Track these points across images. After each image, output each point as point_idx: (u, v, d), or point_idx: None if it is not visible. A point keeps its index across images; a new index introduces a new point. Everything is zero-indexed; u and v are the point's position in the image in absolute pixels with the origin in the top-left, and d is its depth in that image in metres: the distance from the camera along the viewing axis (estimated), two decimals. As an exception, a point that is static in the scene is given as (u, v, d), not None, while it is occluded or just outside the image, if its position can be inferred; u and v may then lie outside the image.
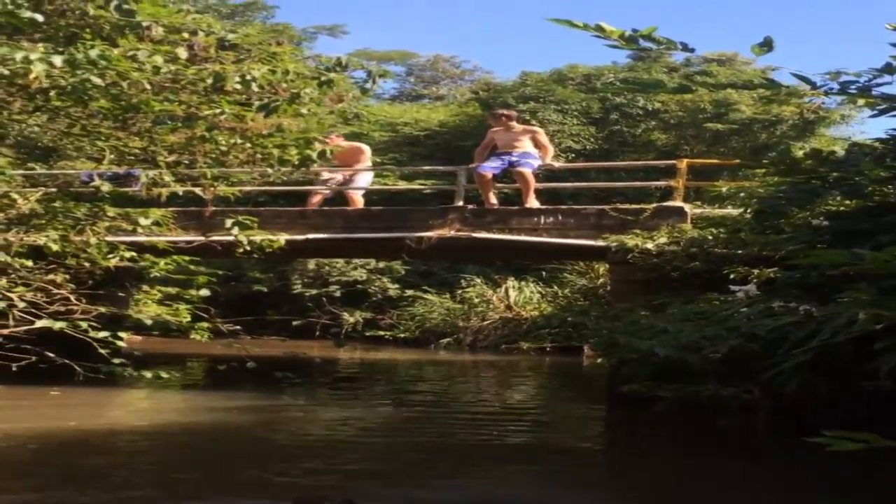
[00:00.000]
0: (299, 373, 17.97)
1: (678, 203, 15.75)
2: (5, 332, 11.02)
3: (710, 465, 10.10)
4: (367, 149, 19.43)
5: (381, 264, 31.33)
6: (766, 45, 5.88)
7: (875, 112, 9.43)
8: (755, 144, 31.79)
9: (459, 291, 29.96)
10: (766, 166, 11.08)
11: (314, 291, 31.84)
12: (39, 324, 10.93)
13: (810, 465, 8.84)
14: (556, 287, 29.21)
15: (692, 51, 5.72)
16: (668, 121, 33.18)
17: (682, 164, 16.68)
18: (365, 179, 19.09)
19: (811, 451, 4.42)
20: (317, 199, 18.41)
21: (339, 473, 9.01)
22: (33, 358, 11.12)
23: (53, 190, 13.16)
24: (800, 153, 10.91)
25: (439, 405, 15.85)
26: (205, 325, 12.92)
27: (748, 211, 13.36)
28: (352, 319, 31.20)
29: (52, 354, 11.08)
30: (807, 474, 9.25)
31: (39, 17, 9.94)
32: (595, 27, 6.33)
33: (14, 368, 10.87)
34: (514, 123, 17.35)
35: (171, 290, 20.86)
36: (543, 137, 17.62)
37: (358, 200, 18.37)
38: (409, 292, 30.96)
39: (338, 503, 5.31)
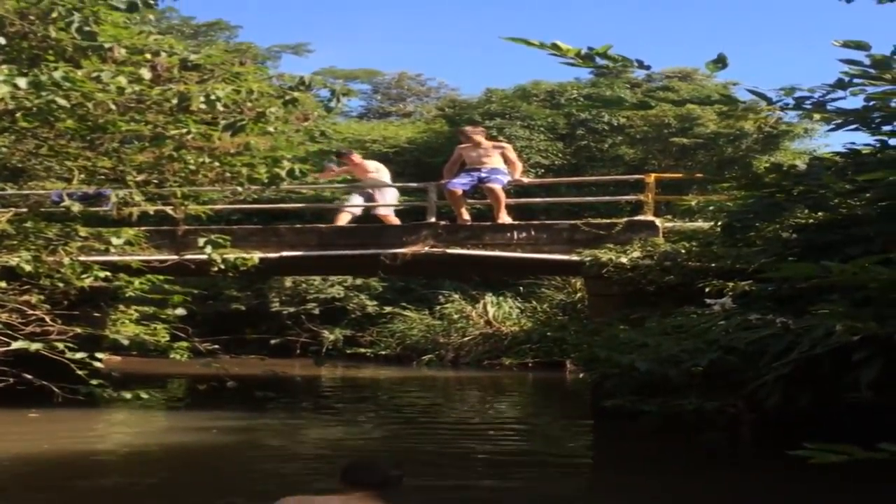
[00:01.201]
0: (280, 391, 17.91)
1: (649, 217, 15.82)
2: (-20, 354, 10.94)
3: (696, 478, 10.09)
4: (381, 166, 19.52)
5: (359, 281, 31.21)
6: (720, 62, 5.93)
7: (832, 126, 9.53)
8: (721, 158, 31.89)
9: (438, 308, 29.87)
10: (729, 180, 11.18)
11: (292, 309, 31.68)
12: (15, 345, 10.86)
13: (795, 476, 8.81)
14: (534, 302, 29.18)
15: (648, 68, 5.75)
16: (635, 136, 33.24)
17: (650, 178, 16.82)
18: (391, 195, 19.08)
19: (796, 462, 4.40)
20: (345, 218, 18.29)
21: (323, 490, 8.93)
22: (11, 380, 11.03)
23: (24, 210, 13.08)
24: (762, 167, 11.02)
25: (422, 421, 15.82)
26: (184, 344, 12.86)
27: (718, 224, 13.39)
28: (332, 337, 31.06)
29: (29, 376, 10.99)
30: (792, 486, 9.23)
31: (1, 40, 9.92)
32: (551, 45, 6.36)
33: (-8, 390, 10.79)
34: (482, 140, 17.33)
35: (148, 309, 20.78)
36: (512, 153, 17.65)
37: (392, 219, 18.24)
38: (388, 309, 30.82)
39: (388, 467, 5.30)
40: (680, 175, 25.64)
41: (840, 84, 7.94)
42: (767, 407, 10.37)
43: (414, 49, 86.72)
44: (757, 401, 10.67)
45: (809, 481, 8.38)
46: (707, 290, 12.56)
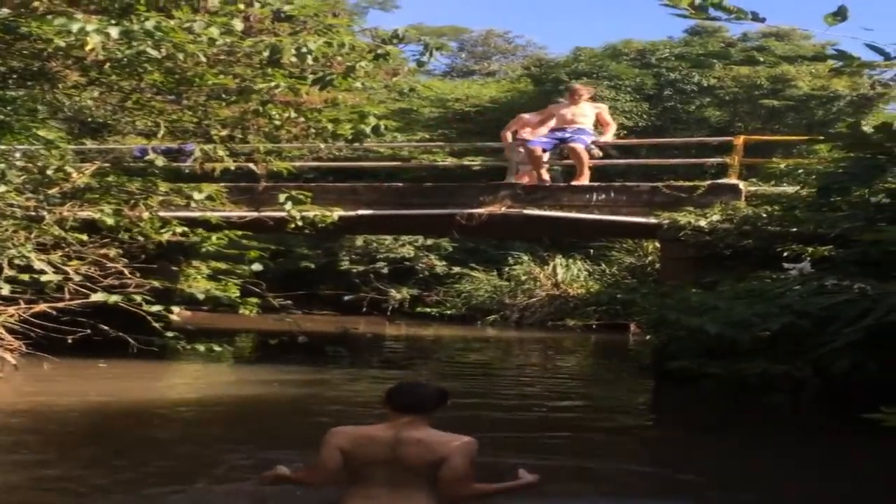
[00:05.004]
0: (349, 348, 18.03)
1: (732, 180, 15.60)
2: (61, 305, 11.12)
3: (759, 442, 10.02)
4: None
5: (429, 241, 31.32)
6: (840, 14, 5.76)
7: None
8: (811, 121, 31.30)
9: (506, 269, 29.92)
10: (831, 140, 10.94)
11: (361, 268, 31.89)
12: (94, 297, 11.01)
13: (859, 441, 8.78)
14: (603, 265, 29.13)
15: (763, 20, 5.63)
16: (723, 97, 32.66)
17: (739, 140, 16.51)
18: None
19: (862, 427, 4.38)
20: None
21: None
22: (88, 331, 11.19)
23: (106, 165, 13.23)
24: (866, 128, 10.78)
25: (486, 379, 15.83)
26: (253, 300, 12.94)
27: (804, 188, 13.23)
28: (399, 296, 31.26)
29: (106, 328, 11.15)
30: (856, 450, 9.18)
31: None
32: (663, -7, 6.22)
33: (70, 341, 10.96)
34: (584, 100, 17.01)
35: (221, 265, 20.99)
36: (607, 114, 17.40)
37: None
38: (456, 269, 30.94)
39: (433, 389, 5.28)
40: (773, 137, 25.21)
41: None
42: (834, 372, 10.33)
43: (502, 6, 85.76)
44: (824, 366, 10.62)
45: (874, 446, 8.35)
46: (785, 254, 12.47)
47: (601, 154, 16.92)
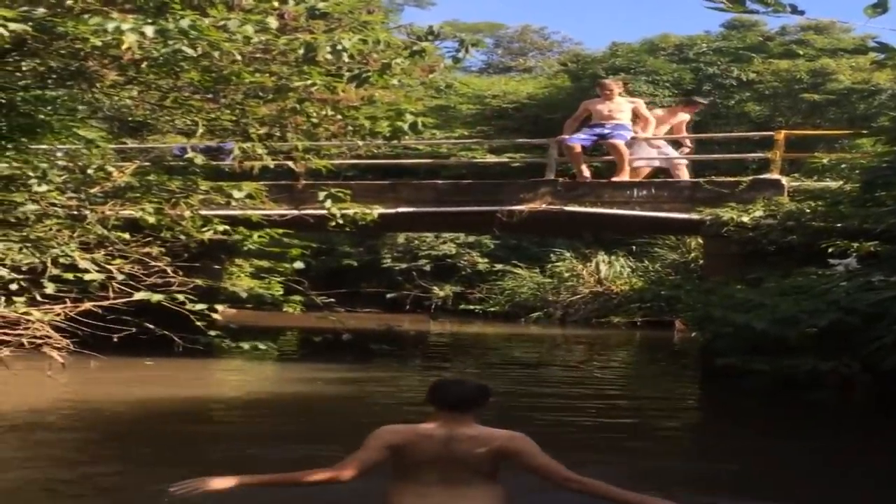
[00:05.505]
0: (393, 345, 18.04)
1: (775, 175, 15.46)
2: (105, 303, 11.16)
3: (807, 439, 9.93)
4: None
5: (471, 238, 31.32)
6: (881, 6, 5.65)
7: None
8: (853, 115, 30.97)
9: (549, 266, 29.86)
10: (874, 134, 10.81)
11: (404, 265, 31.96)
12: (138, 296, 11.03)
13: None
14: (646, 261, 29.01)
15: (802, 13, 5.54)
16: (763, 91, 32.36)
17: (780, 135, 16.35)
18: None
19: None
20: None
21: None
22: (133, 329, 11.23)
23: (147, 164, 13.27)
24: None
25: (531, 376, 15.81)
26: (298, 297, 12.95)
27: (848, 183, 13.09)
28: (442, 293, 31.27)
29: (151, 326, 11.19)
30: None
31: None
32: (700, -15, 6.13)
33: (115, 339, 11.00)
34: (616, 95, 16.99)
35: (264, 263, 21.04)
36: (644, 109, 17.36)
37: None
38: (499, 266, 30.90)
39: (474, 385, 5.23)
40: (815, 132, 25.00)
41: None
42: (883, 369, 10.22)
43: (538, 1, 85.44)
44: (872, 363, 10.51)
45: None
46: (830, 250, 12.35)
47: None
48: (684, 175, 16.71)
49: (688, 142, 17.77)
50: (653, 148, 17.40)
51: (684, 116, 17.89)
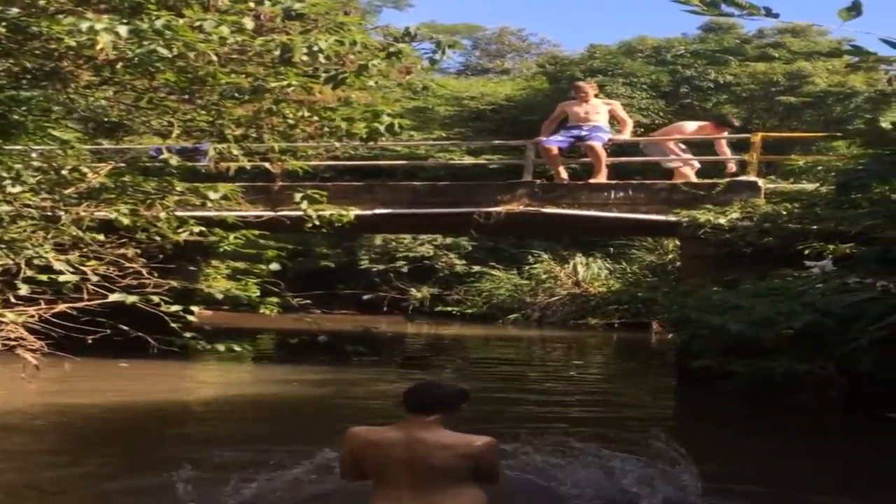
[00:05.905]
0: (369, 347, 18.01)
1: (751, 178, 15.51)
2: (80, 305, 11.09)
3: (784, 440, 9.96)
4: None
5: (448, 240, 31.32)
6: (854, 10, 5.67)
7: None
8: (829, 117, 31.13)
9: (526, 267, 29.88)
10: (850, 137, 10.83)
11: (381, 267, 31.94)
12: (113, 297, 10.96)
13: (884, 439, 8.70)
14: (624, 263, 29.07)
15: (776, 16, 5.55)
16: (740, 94, 32.52)
17: (757, 137, 16.39)
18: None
19: (886, 426, 4.32)
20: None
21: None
22: (108, 331, 11.17)
23: (122, 165, 13.21)
24: (889, 123, 10.66)
25: (508, 377, 15.81)
26: (274, 299, 12.91)
27: (824, 185, 13.13)
28: (419, 295, 31.25)
29: (125, 328, 11.13)
30: (882, 448, 9.10)
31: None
32: (671, -12, 6.13)
33: (90, 341, 10.94)
34: (591, 97, 17.01)
35: (240, 264, 20.99)
36: (621, 111, 17.41)
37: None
38: (476, 268, 30.91)
39: (449, 389, 5.19)
40: (791, 134, 25.08)
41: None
42: (859, 371, 10.25)
43: (516, 2, 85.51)
44: (848, 364, 10.55)
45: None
46: (807, 252, 12.38)
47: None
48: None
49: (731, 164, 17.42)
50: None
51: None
